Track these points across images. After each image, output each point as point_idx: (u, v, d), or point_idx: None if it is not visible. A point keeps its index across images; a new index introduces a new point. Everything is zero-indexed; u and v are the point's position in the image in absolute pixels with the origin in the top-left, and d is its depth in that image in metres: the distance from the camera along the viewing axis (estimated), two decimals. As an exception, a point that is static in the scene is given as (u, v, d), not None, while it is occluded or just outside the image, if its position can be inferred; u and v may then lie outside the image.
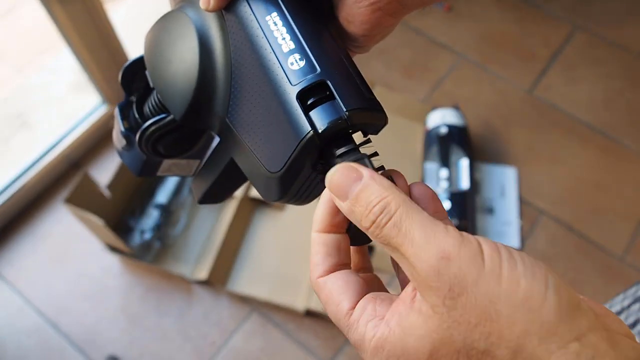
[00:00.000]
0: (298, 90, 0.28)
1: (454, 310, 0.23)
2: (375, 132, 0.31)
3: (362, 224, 0.26)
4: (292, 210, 1.29)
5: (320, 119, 0.28)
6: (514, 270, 0.23)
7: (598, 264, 1.24)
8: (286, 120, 0.28)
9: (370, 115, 0.29)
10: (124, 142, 0.39)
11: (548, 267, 0.24)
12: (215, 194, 0.38)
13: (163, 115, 0.37)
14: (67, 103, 1.43)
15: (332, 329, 1.18)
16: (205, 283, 1.21)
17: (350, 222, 0.28)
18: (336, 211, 0.28)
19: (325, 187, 0.28)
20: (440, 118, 1.33)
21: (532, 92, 1.49)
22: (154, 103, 0.38)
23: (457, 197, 1.25)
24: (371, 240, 0.27)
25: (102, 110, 1.40)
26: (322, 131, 0.28)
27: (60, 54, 1.50)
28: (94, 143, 1.40)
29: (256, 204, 1.30)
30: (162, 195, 1.28)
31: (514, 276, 0.23)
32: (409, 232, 0.24)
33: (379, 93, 1.40)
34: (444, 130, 1.31)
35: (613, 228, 1.28)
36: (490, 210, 1.31)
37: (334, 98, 0.28)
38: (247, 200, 1.27)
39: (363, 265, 0.32)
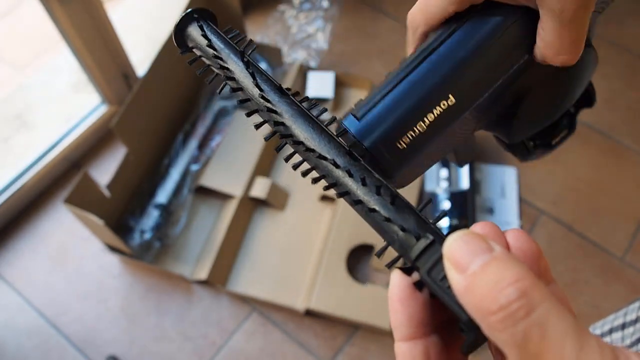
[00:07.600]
0: None
1: None
2: None
3: (484, 305, 0.18)
4: (292, 210, 1.29)
5: None
6: None
7: (598, 264, 1.24)
8: None
9: None
10: None
11: None
12: None
13: None
14: (67, 103, 1.43)
15: (332, 328, 1.18)
16: (205, 283, 1.21)
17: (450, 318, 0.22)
18: (414, 306, 0.23)
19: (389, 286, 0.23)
20: (440, 118, 1.33)
21: (532, 92, 1.49)
22: None
23: (457, 197, 1.25)
24: (480, 344, 0.20)
25: (102, 110, 1.40)
26: None
27: (60, 54, 1.50)
28: (94, 143, 1.40)
29: (256, 204, 1.30)
30: (162, 195, 1.28)
31: None
32: (558, 343, 0.17)
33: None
34: (444, 130, 1.31)
35: (613, 228, 1.28)
36: (490, 210, 1.31)
37: None
38: (247, 200, 1.27)
39: None
